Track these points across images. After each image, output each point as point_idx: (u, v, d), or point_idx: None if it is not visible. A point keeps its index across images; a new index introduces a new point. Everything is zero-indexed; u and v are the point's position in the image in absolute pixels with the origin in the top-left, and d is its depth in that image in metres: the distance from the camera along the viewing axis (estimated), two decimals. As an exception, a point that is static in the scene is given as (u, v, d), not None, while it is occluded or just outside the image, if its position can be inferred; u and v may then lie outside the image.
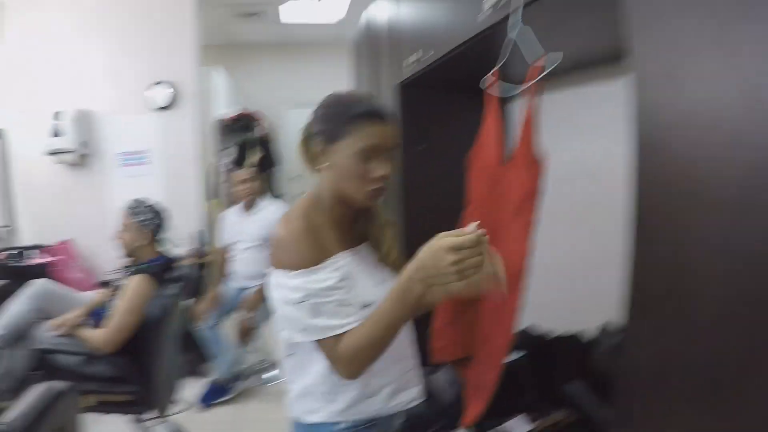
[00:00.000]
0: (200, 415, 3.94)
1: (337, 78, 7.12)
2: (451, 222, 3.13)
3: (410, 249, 3.15)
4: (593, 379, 2.39)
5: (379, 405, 1.54)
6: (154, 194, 3.09)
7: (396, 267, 1.55)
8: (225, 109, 6.60)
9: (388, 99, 3.44)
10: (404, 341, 1.63)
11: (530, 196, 1.49)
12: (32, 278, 3.18)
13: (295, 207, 1.53)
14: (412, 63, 2.57)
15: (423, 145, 3.11)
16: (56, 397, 1.62)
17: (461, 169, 3.15)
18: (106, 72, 4.90)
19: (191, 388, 4.11)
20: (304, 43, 7.77)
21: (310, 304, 1.36)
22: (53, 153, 4.75)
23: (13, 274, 4.20)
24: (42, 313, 2.99)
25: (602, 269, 1.50)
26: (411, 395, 1.64)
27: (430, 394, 2.70)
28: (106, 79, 4.91)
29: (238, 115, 6.45)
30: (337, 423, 1.52)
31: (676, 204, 0.93)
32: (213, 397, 4.06)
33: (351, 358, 1.36)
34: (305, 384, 1.53)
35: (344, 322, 1.36)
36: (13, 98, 4.92)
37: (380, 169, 1.44)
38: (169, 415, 3.09)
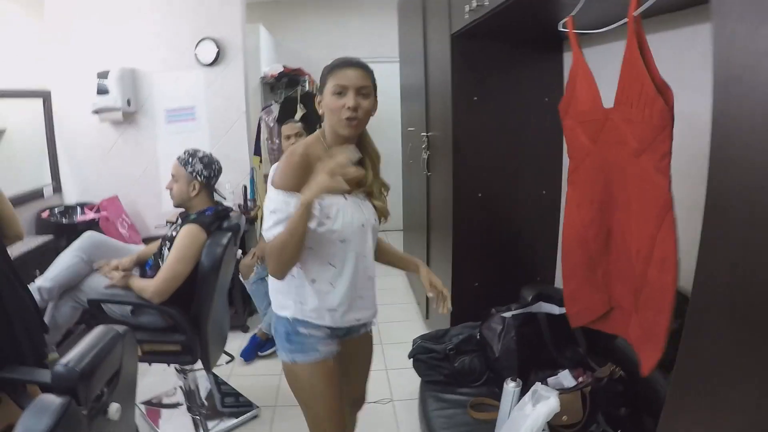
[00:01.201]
0: (242, 368, 4.02)
1: (382, 33, 7.13)
2: (501, 175, 3.17)
3: (458, 199, 3.16)
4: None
5: (335, 318, 1.97)
6: (200, 149, 3.07)
7: (383, 216, 2.07)
8: (267, 67, 6.58)
9: (438, 51, 3.41)
10: (362, 275, 1.99)
11: (658, 130, 1.46)
12: (78, 234, 3.20)
13: (302, 141, 2.00)
14: (468, 11, 2.52)
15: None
16: (115, 338, 1.66)
17: (517, 123, 3.16)
18: (151, 30, 4.90)
19: (234, 342, 4.19)
20: (346, -3, 7.68)
21: (275, 215, 1.80)
22: (98, 111, 4.79)
23: (60, 231, 4.28)
24: (91, 264, 3.03)
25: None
26: (361, 315, 2.06)
27: (481, 346, 2.74)
28: (151, 37, 4.91)
29: (280, 73, 6.41)
30: (304, 321, 1.96)
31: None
32: (255, 351, 4.13)
33: (274, 261, 1.83)
34: (282, 283, 1.98)
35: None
36: (59, 59, 4.95)
37: (349, 101, 1.84)
38: (214, 365, 3.15)
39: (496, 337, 2.64)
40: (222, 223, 3.03)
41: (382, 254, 2.28)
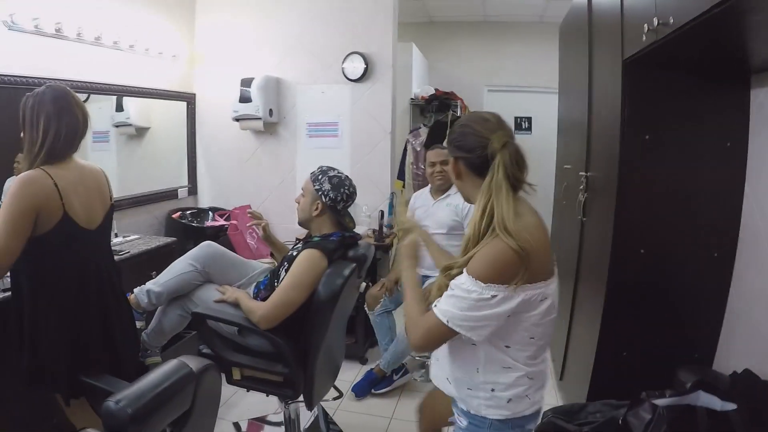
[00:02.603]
0: (351, 403, 3.76)
1: (539, 61, 6.80)
2: (668, 230, 2.74)
3: (617, 253, 2.74)
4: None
5: (538, 395, 1.79)
6: (339, 168, 2.85)
7: None
8: (418, 88, 6.41)
9: (605, 80, 3.03)
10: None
11: None
12: (205, 239, 3.09)
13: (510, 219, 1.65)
14: (647, 32, 2.14)
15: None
16: (186, 377, 1.42)
17: (692, 170, 2.72)
18: (300, 41, 4.83)
19: (349, 373, 3.95)
20: (505, 22, 7.35)
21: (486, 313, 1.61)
22: (239, 119, 4.75)
23: (187, 234, 4.25)
24: (204, 275, 2.89)
25: None
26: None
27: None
28: (299, 47, 4.84)
29: (431, 95, 6.22)
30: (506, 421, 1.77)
31: None
32: (369, 387, 3.86)
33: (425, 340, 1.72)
34: (470, 375, 1.78)
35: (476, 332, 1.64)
36: (206, 65, 5.01)
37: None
38: (318, 402, 2.90)
39: (642, 427, 2.20)
40: (347, 251, 2.77)
41: None
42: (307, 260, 2.58)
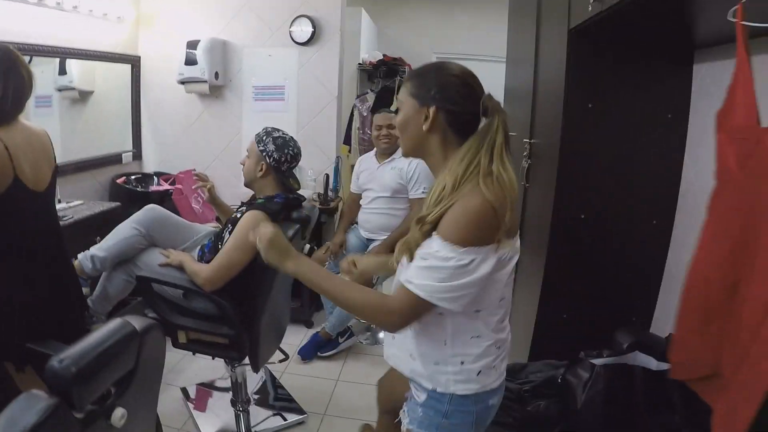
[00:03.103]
0: (297, 366, 3.80)
1: (489, 31, 6.81)
2: (609, 196, 2.80)
3: (558, 218, 2.79)
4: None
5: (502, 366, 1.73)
6: (284, 130, 2.85)
7: None
8: (366, 53, 6.38)
9: (552, 49, 3.08)
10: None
11: None
12: (149, 204, 3.05)
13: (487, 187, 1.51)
14: (593, 2, 2.17)
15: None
16: (130, 336, 1.42)
17: (633, 139, 2.79)
18: (247, 3, 4.74)
19: (295, 336, 3.98)
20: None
21: (452, 280, 1.47)
22: (184, 82, 4.67)
23: (132, 199, 4.20)
24: (149, 239, 2.87)
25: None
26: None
27: (562, 392, 2.40)
28: (246, 9, 4.75)
29: (380, 60, 6.21)
30: (464, 400, 1.65)
31: None
32: (315, 350, 3.91)
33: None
34: (437, 353, 1.65)
35: (450, 302, 1.50)
36: (152, 27, 4.89)
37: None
38: (263, 364, 2.93)
39: (581, 385, 2.28)
40: (291, 213, 2.78)
41: None
42: (250, 222, 2.56)
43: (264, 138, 2.74)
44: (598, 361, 2.29)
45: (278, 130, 2.80)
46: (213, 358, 2.85)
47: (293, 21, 4.65)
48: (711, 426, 1.47)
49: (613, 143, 2.77)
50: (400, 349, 1.72)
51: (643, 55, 2.69)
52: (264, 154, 2.70)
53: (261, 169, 2.72)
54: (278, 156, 2.70)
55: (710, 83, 2.45)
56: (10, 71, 2.18)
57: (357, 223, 4.13)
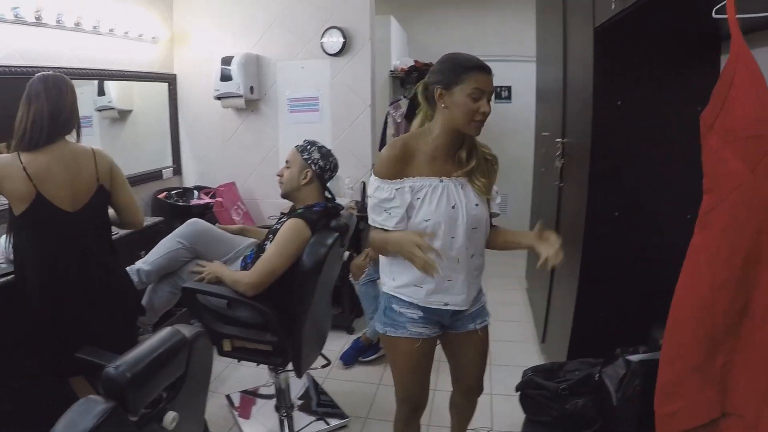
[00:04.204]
0: (339, 372, 3.86)
1: (518, 31, 6.81)
2: (642, 193, 2.81)
3: (592, 216, 2.79)
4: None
5: (420, 296, 2.13)
6: (321, 142, 2.95)
7: (480, 193, 2.13)
8: (397, 60, 6.43)
9: (579, 48, 3.10)
10: (458, 262, 2.11)
11: None
12: (191, 217, 3.16)
13: (402, 135, 2.22)
14: (614, 1, 2.20)
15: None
16: (180, 343, 1.50)
17: (664, 134, 2.80)
18: (278, 17, 4.83)
19: (336, 343, 4.04)
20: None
21: (372, 202, 2.11)
22: (221, 97, 4.77)
23: (174, 213, 4.30)
24: (192, 252, 2.97)
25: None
26: (447, 300, 2.15)
27: (599, 390, 2.42)
28: (277, 24, 4.84)
29: (411, 67, 6.24)
30: (397, 298, 2.17)
31: None
32: (356, 355, 3.96)
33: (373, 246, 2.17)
34: (383, 261, 2.25)
35: (380, 219, 2.09)
36: (186, 45, 5.02)
37: (484, 107, 1.98)
38: (306, 370, 2.99)
39: (617, 382, 2.31)
40: (330, 221, 2.85)
41: (501, 238, 2.29)
42: (291, 229, 2.66)
43: (308, 147, 2.84)
44: (633, 358, 2.31)
45: (318, 142, 2.90)
46: (257, 365, 2.91)
47: (324, 33, 4.72)
48: None
49: (643, 139, 2.78)
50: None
51: (670, 49, 2.70)
52: (309, 161, 2.80)
53: (305, 177, 2.81)
54: (324, 164, 2.82)
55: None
56: (33, 99, 2.34)
57: None
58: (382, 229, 2.08)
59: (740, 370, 1.38)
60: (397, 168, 2.05)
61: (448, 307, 2.16)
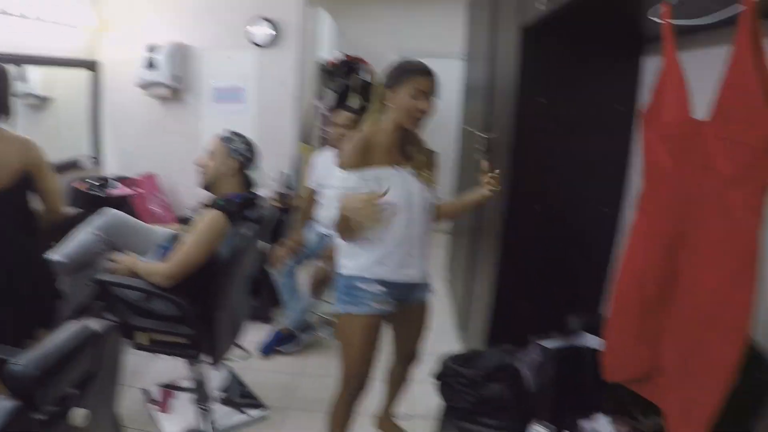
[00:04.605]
0: (259, 362, 3.86)
1: (449, 28, 6.89)
2: (562, 188, 2.92)
3: (513, 210, 2.89)
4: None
5: (387, 271, 2.39)
6: (246, 133, 2.95)
7: (427, 182, 2.44)
8: (327, 53, 6.43)
9: (506, 47, 3.18)
10: (414, 240, 2.42)
11: (760, 155, 1.18)
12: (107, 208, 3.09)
13: (364, 130, 2.41)
14: (541, 2, 2.29)
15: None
16: (89, 338, 1.49)
17: (584, 132, 2.91)
18: (206, 6, 4.79)
19: (255, 334, 4.04)
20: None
21: (340, 190, 2.29)
22: (145, 86, 4.70)
23: (93, 204, 4.20)
24: (109, 243, 2.91)
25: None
26: (410, 274, 2.46)
27: (516, 376, 2.50)
28: (205, 13, 4.80)
29: (340, 60, 6.26)
30: (361, 277, 2.39)
31: None
32: (276, 345, 3.97)
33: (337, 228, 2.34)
34: (344, 246, 2.43)
35: None
36: (113, 31, 4.90)
37: (424, 106, 2.28)
38: (224, 361, 2.98)
39: (533, 369, 2.40)
40: (249, 213, 2.84)
41: (450, 210, 2.71)
42: (209, 221, 2.65)
43: (232, 137, 2.82)
44: (548, 345, 2.40)
45: (240, 133, 2.90)
46: (173, 358, 2.89)
47: (253, 23, 4.69)
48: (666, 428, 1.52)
49: (565, 137, 2.89)
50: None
51: (594, 51, 2.81)
52: (233, 152, 2.79)
53: (228, 167, 2.80)
54: (248, 154, 2.82)
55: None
56: None
57: (315, 219, 4.17)
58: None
59: (668, 333, 1.55)
60: (360, 160, 2.29)
61: (410, 280, 2.47)
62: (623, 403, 2.29)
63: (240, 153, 2.80)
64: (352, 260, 2.42)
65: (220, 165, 2.79)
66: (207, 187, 2.87)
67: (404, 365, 2.84)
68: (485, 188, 2.51)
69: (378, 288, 2.39)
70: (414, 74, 2.29)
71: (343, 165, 2.33)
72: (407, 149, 2.43)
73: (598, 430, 2.09)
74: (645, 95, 2.81)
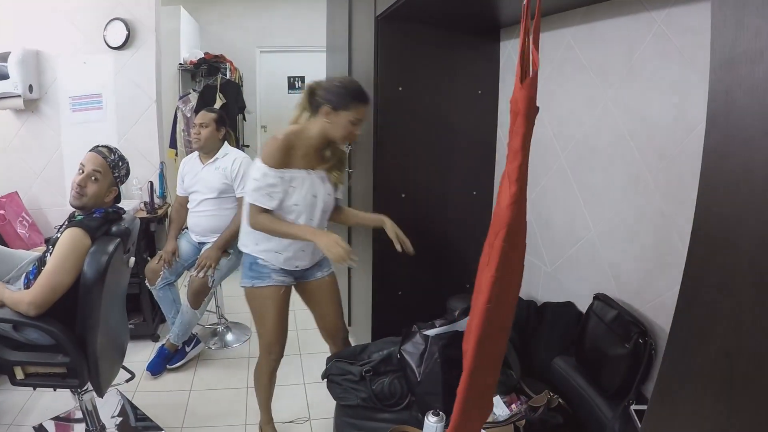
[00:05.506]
0: (149, 383, 3.69)
1: (311, 22, 6.86)
2: (427, 174, 2.94)
3: (379, 200, 2.90)
4: (583, 355, 2.19)
5: (279, 260, 2.64)
6: (107, 142, 2.81)
7: (336, 181, 2.68)
8: (188, 52, 6.23)
9: (362, 36, 3.16)
10: (309, 244, 2.59)
11: (513, 118, 1.28)
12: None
13: (285, 130, 2.53)
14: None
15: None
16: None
17: (446, 117, 2.93)
18: (58, 8, 4.47)
19: (142, 353, 3.87)
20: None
21: (258, 185, 2.45)
22: (-4, 98, 4.37)
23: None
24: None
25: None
26: (300, 263, 2.70)
27: (402, 366, 2.50)
28: (58, 16, 4.47)
29: (200, 59, 6.07)
30: (257, 258, 2.65)
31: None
32: (163, 363, 3.81)
33: (259, 224, 2.50)
34: (247, 228, 2.60)
35: (264, 201, 2.46)
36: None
37: (358, 131, 2.50)
38: (110, 387, 2.82)
39: (418, 358, 2.40)
40: (111, 227, 2.67)
41: (349, 218, 2.86)
42: (68, 240, 2.48)
43: (120, 164, 2.72)
44: (430, 332, 2.42)
45: (118, 150, 2.78)
46: (55, 390, 2.72)
47: (107, 25, 4.45)
48: None
49: (427, 124, 2.93)
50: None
51: (452, 37, 2.84)
52: (118, 179, 2.71)
53: (110, 195, 2.70)
54: (126, 179, 2.80)
55: (516, 58, 2.64)
56: None
57: (187, 227, 4.04)
58: (263, 208, 2.47)
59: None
60: (282, 159, 2.46)
61: (299, 268, 2.72)
62: (514, 381, 2.35)
63: (122, 179, 2.73)
64: (252, 245, 2.65)
65: (105, 191, 2.68)
66: (83, 207, 2.68)
67: (333, 340, 2.92)
68: (388, 227, 2.68)
69: (274, 265, 2.65)
70: (360, 104, 2.45)
71: (266, 161, 2.45)
72: (324, 153, 2.60)
73: (492, 411, 2.11)
74: (506, 77, 2.88)
